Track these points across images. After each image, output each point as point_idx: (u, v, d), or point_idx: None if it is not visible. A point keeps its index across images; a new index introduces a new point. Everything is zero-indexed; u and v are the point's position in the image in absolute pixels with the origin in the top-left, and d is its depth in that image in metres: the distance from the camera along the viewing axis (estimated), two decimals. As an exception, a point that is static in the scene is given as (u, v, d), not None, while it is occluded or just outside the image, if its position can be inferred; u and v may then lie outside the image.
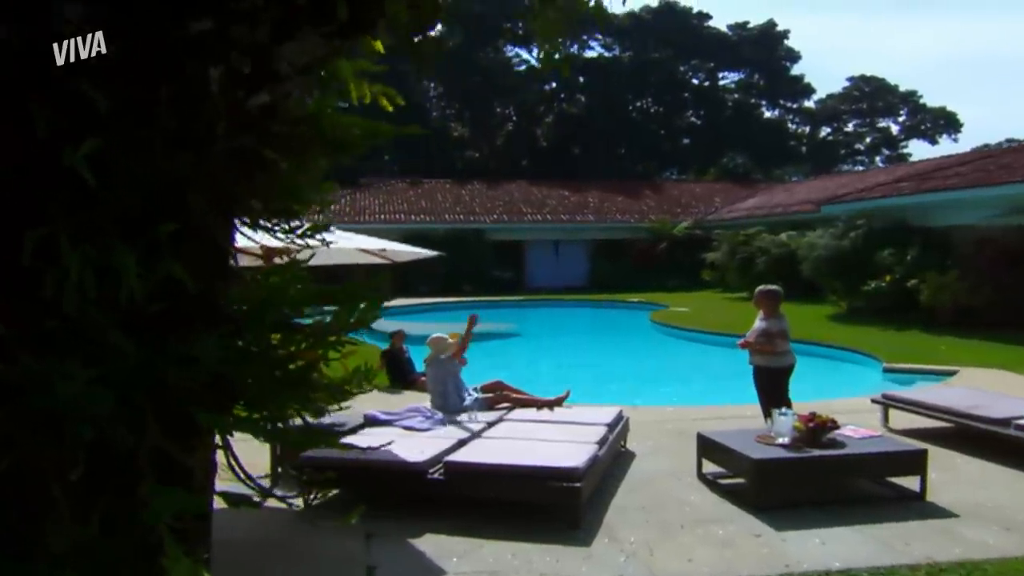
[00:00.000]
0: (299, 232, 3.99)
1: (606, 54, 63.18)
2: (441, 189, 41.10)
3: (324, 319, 3.65)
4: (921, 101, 63.91)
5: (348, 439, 6.67)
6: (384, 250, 6.53)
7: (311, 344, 3.52)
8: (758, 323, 8.30)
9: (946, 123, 63.42)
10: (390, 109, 4.52)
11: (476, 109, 61.34)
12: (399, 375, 12.26)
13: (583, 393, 12.35)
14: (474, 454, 6.16)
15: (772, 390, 8.10)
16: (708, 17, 63.25)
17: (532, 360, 17.45)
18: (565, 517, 5.73)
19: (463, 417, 7.63)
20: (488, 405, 8.19)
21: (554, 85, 63.67)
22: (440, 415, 7.53)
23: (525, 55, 64.18)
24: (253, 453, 7.83)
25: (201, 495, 3.46)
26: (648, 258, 35.56)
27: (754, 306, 8.61)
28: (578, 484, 5.64)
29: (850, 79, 65.57)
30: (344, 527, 5.77)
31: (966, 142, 68.49)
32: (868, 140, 66.34)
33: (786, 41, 63.02)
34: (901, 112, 65.02)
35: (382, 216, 36.42)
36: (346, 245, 6.33)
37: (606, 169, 54.20)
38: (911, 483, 6.36)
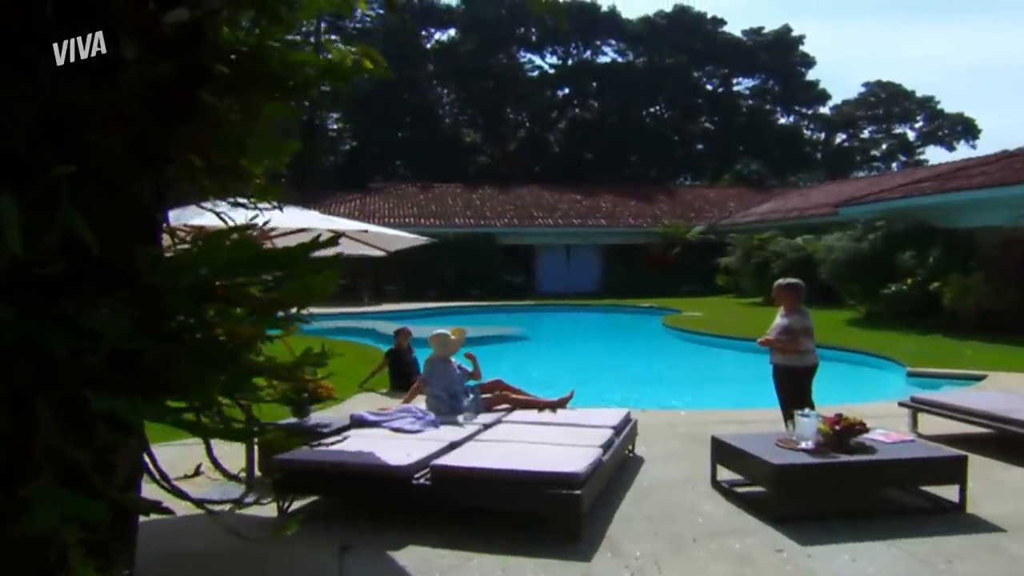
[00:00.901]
0: (250, 197, 3.43)
1: (619, 59, 62.65)
2: (452, 193, 40.60)
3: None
4: (938, 107, 62.99)
5: (326, 441, 6.13)
6: (367, 231, 5.96)
7: (256, 320, 2.94)
8: (779, 319, 7.70)
9: (964, 129, 62.46)
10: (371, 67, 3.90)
11: (489, 115, 60.95)
12: (403, 377, 11.38)
13: (591, 396, 11.80)
14: (465, 458, 5.59)
15: (793, 392, 7.48)
16: (723, 22, 62.70)
17: (538, 363, 16.84)
18: (564, 528, 5.15)
19: (458, 419, 7.05)
20: (486, 406, 7.62)
21: (567, 91, 63.27)
22: (432, 416, 6.95)
23: (538, 60, 63.91)
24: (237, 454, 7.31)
25: (120, 497, 2.87)
26: (661, 263, 34.93)
27: (774, 301, 8.01)
28: (578, 492, 5.06)
29: (866, 85, 64.76)
30: (318, 538, 5.22)
31: (984, 149, 67.47)
32: (884, 147, 65.43)
33: (801, 47, 62.27)
34: (918, 118, 64.10)
35: (391, 220, 35.89)
36: (318, 225, 5.77)
37: (619, 175, 53.65)
38: (948, 493, 5.74)
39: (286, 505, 5.73)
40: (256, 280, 2.87)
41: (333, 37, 52.19)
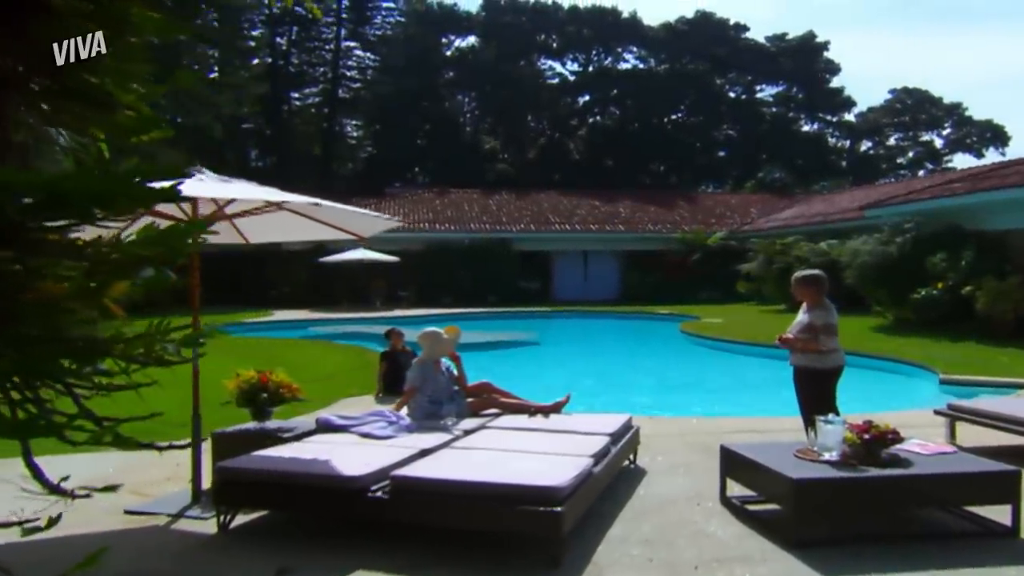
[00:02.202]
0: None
1: (641, 66, 61.86)
2: (468, 199, 39.91)
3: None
4: (966, 114, 61.72)
5: (280, 448, 5.40)
6: (318, 204, 5.22)
7: (86, 279, 2.19)
8: (800, 316, 6.89)
9: (993, 136, 61.09)
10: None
11: (508, 122, 60.37)
12: (398, 382, 10.56)
13: (600, 402, 11.19)
14: (432, 468, 4.81)
15: (816, 396, 6.64)
16: (745, 28, 61.83)
17: (548, 368, 16.08)
18: (542, 551, 4.38)
19: (438, 424, 6.29)
20: (472, 411, 6.85)
21: (588, 98, 62.58)
22: (407, 421, 6.19)
23: (559, 67, 63.25)
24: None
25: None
26: (680, 270, 33.98)
27: (794, 297, 7.20)
28: (559, 509, 4.27)
29: (892, 91, 63.60)
30: (255, 559, 4.47)
31: (1014, 156, 65.89)
32: (911, 154, 64.14)
33: (826, 52, 61.24)
34: (946, 125, 62.81)
35: (406, 225, 35.30)
36: (244, 195, 5.03)
37: (640, 183, 52.86)
38: (999, 514, 4.91)
39: (226, 520, 4.99)
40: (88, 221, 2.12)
41: None
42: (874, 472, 4.75)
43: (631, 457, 6.61)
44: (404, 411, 6.69)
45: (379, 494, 4.65)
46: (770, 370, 13.04)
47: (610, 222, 36.97)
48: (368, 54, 59.97)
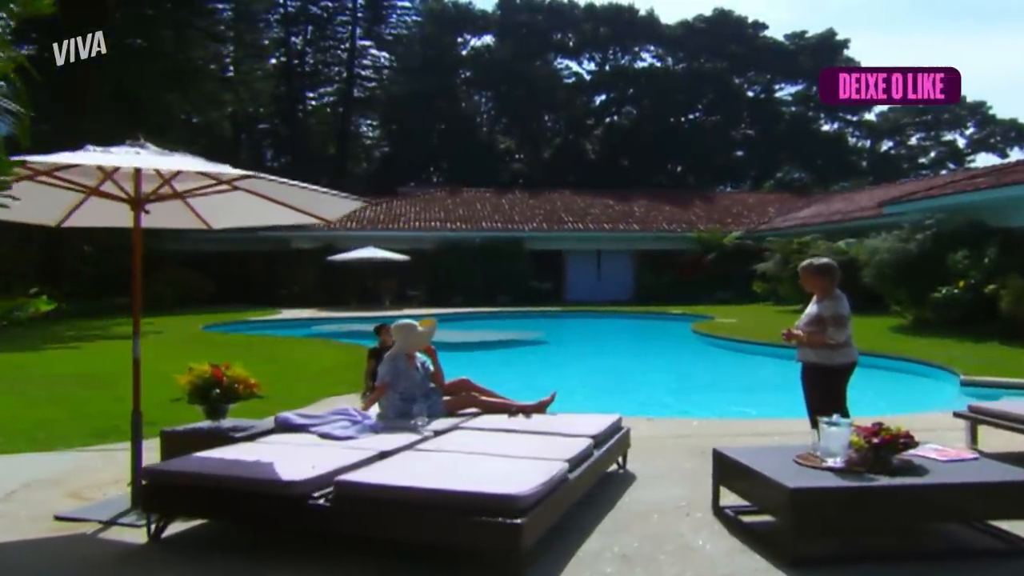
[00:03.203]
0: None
1: (658, 64, 61.14)
2: (480, 198, 39.41)
3: None
4: (990, 112, 60.52)
5: (225, 449, 4.90)
6: (258, 177, 4.71)
7: None
8: (809, 308, 6.33)
9: (1017, 136, 59.93)
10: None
11: (524, 122, 59.80)
12: None
13: (602, 402, 10.68)
14: (381, 473, 4.28)
15: (824, 396, 6.07)
16: (764, 27, 61.00)
17: (552, 368, 15.53)
18: (500, 569, 3.84)
19: (408, 424, 5.77)
20: (449, 410, 6.32)
21: (604, 97, 61.95)
22: (372, 420, 5.67)
23: (575, 67, 62.65)
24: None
25: None
26: (695, 270, 33.29)
27: (803, 288, 6.62)
28: (518, 520, 3.74)
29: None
30: (182, 575, 3.97)
31: (1039, 158, 64.38)
32: (933, 154, 63.03)
33: (846, 51, 60.26)
34: (968, 124, 61.65)
35: (417, 223, 34.90)
36: (170, 165, 4.53)
37: (656, 183, 52.16)
38: (1026, 529, 4.35)
39: (158, 528, 4.48)
40: None
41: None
42: (884, 481, 4.17)
43: (620, 461, 6.06)
44: (376, 409, 6.19)
45: (321, 502, 4.13)
46: (784, 370, 12.41)
47: (624, 221, 36.36)
48: (383, 53, 59.70)
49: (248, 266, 34.24)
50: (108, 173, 5.19)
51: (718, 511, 4.88)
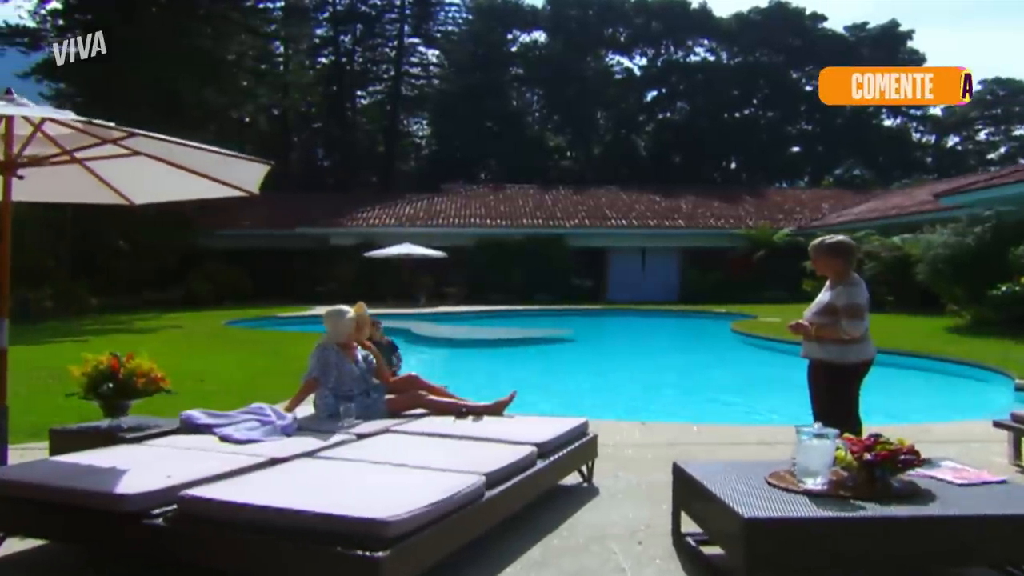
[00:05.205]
0: None
1: (711, 59, 59.58)
2: (523, 195, 38.55)
3: None
4: (1064, 106, 57.75)
5: (86, 453, 4.13)
6: (130, 134, 3.94)
7: None
8: (821, 294, 5.36)
9: (1094, 130, 57.09)
10: None
11: (574, 118, 58.72)
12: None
13: (611, 403, 9.98)
14: (235, 489, 3.45)
15: (832, 399, 5.10)
16: (823, 18, 58.99)
17: (572, 368, 14.60)
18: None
19: (332, 425, 4.95)
20: (392, 410, 5.48)
21: (656, 93, 60.59)
22: (288, 421, 4.85)
23: (626, 62, 61.42)
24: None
25: None
26: (744, 268, 31.87)
27: (815, 271, 5.66)
28: (379, 554, 2.88)
29: (982, 83, 59.68)
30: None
31: (1117, 154, 60.92)
32: (1002, 149, 60.27)
33: (909, 42, 57.97)
34: (1041, 118, 58.97)
35: (457, 220, 34.22)
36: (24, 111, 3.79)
37: (709, 180, 50.70)
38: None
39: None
40: None
41: None
42: (872, 510, 3.20)
43: (584, 471, 5.16)
44: (307, 408, 5.40)
45: (159, 521, 3.32)
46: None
47: (669, 217, 35.12)
48: (432, 51, 59.27)
49: (289, 263, 33.98)
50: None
51: (678, 540, 3.95)
